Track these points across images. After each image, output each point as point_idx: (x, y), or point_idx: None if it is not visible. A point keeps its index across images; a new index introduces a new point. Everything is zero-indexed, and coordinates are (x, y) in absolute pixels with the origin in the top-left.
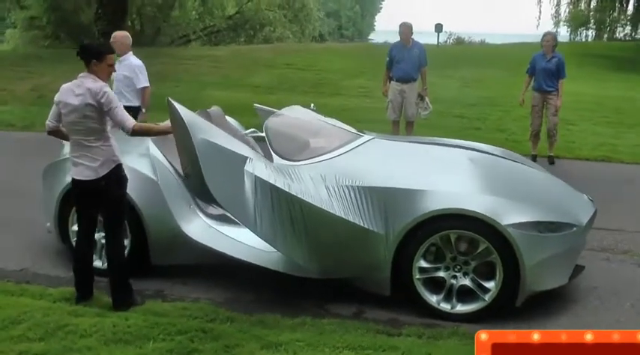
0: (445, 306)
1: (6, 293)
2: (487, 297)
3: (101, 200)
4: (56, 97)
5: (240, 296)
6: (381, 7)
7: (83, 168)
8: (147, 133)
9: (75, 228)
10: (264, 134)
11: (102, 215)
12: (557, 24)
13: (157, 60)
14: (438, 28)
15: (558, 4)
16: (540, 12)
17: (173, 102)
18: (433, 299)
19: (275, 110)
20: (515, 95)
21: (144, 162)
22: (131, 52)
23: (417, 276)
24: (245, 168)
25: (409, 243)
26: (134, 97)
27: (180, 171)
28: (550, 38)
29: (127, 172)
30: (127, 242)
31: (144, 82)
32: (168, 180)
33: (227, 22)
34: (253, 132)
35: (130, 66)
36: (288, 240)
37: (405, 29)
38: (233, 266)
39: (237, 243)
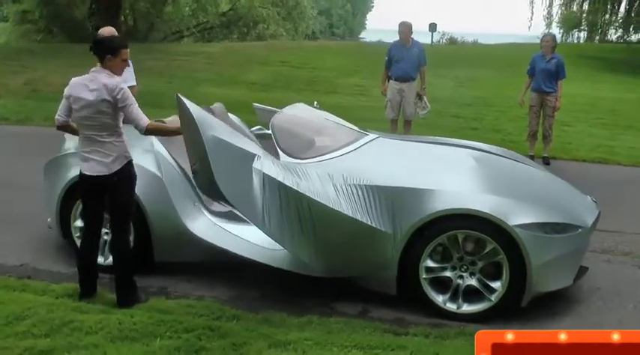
0: (451, 306)
1: (8, 288)
2: (493, 297)
3: (110, 196)
4: (66, 91)
5: (245, 294)
6: (373, 6)
7: (94, 164)
8: (160, 133)
9: (77, 223)
10: (270, 131)
11: (109, 211)
12: (549, 25)
13: (150, 56)
14: (432, 27)
15: (550, 6)
16: (532, 13)
17: (182, 98)
18: (439, 298)
19: (274, 109)
20: (509, 95)
21: (148, 158)
22: None
23: (424, 276)
24: (253, 165)
25: (416, 242)
26: None
27: (185, 167)
28: (550, 39)
29: None
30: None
31: (131, 80)
32: (172, 176)
33: (220, 18)
34: (259, 129)
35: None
36: (295, 239)
37: (405, 28)
38: (236, 264)
39: (242, 241)
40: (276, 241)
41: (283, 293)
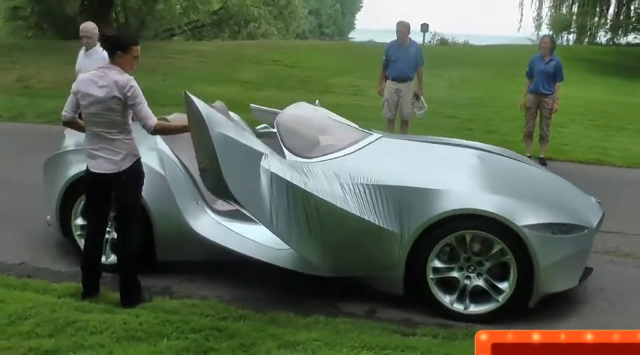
0: (458, 307)
1: (8, 287)
2: (501, 298)
3: (116, 195)
4: (74, 87)
5: (249, 294)
6: (362, 6)
7: (103, 161)
8: (168, 132)
9: (78, 221)
10: (275, 130)
11: (115, 210)
12: (538, 27)
13: (143, 53)
14: (424, 27)
15: (540, 8)
16: (522, 15)
17: (191, 95)
18: (446, 299)
19: (272, 110)
20: (502, 96)
21: (152, 156)
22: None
23: (431, 276)
24: (261, 164)
25: (424, 242)
26: None
27: (188, 166)
28: (548, 40)
29: None
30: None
31: None
32: (176, 175)
33: (211, 17)
34: (265, 127)
35: (104, 59)
36: (302, 238)
37: (403, 28)
38: (239, 264)
39: (246, 240)
40: (283, 241)
41: (288, 293)
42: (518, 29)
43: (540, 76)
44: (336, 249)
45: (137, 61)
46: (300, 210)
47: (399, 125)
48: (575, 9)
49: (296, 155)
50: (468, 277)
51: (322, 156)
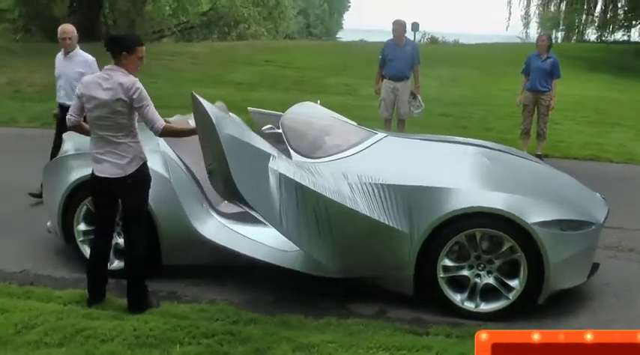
0: (469, 305)
1: (11, 296)
2: (511, 296)
3: (123, 199)
4: (78, 90)
5: (257, 296)
6: (349, 6)
7: (109, 165)
8: (176, 134)
9: (80, 227)
10: (280, 131)
11: (121, 214)
12: (526, 26)
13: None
14: (415, 27)
15: (528, 6)
16: (510, 13)
17: (198, 97)
18: (457, 298)
19: (270, 112)
20: (494, 94)
21: (155, 158)
22: (78, 46)
23: (441, 275)
24: (269, 165)
25: (434, 241)
26: None
27: (191, 168)
28: (545, 38)
29: None
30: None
31: None
32: (180, 177)
33: (201, 18)
34: (270, 128)
35: (86, 61)
36: (312, 239)
37: (399, 27)
38: (244, 266)
39: (253, 242)
40: (293, 242)
41: (296, 295)
42: (507, 28)
43: (537, 74)
44: (345, 250)
45: (142, 62)
46: (310, 211)
47: (396, 124)
48: (563, 7)
49: (302, 155)
50: (478, 275)
51: (329, 156)
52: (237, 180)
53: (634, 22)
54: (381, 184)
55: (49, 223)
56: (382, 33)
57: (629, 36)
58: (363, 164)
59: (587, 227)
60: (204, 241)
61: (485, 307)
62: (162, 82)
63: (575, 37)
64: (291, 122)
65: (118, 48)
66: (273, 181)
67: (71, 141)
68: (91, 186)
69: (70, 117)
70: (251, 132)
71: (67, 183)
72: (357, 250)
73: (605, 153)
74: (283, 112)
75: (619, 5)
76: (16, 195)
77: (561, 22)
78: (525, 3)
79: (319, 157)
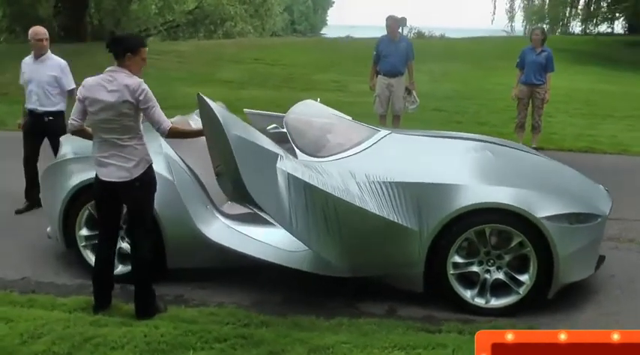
0: (479, 301)
1: (13, 304)
2: (521, 291)
3: (129, 202)
4: (80, 93)
5: (265, 298)
6: (333, 2)
7: (114, 169)
8: (183, 136)
9: (83, 232)
10: (285, 130)
11: (127, 218)
12: (511, 19)
13: None
14: (403, 21)
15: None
16: (495, 7)
17: (205, 97)
18: (467, 294)
19: (267, 113)
20: (485, 88)
21: (158, 160)
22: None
23: (451, 272)
24: (277, 165)
25: (444, 238)
26: (60, 100)
27: (194, 169)
28: (539, 32)
29: None
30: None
31: (72, 82)
32: (183, 179)
33: (187, 16)
34: (275, 128)
35: (59, 65)
36: (321, 239)
37: (393, 23)
38: (249, 268)
39: (259, 243)
40: (302, 242)
41: (304, 296)
42: (492, 21)
43: (532, 67)
44: (355, 249)
45: (145, 63)
46: (319, 211)
47: (391, 120)
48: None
49: (308, 155)
50: (488, 271)
51: (335, 155)
52: (247, 181)
53: (617, 14)
54: (389, 182)
55: (48, 228)
56: (366, 28)
57: (612, 28)
58: (370, 162)
59: (594, 219)
60: (209, 243)
61: (495, 302)
62: (150, 81)
63: (559, 30)
64: (295, 121)
65: (122, 49)
66: (281, 181)
67: (69, 145)
68: (94, 190)
69: (73, 121)
70: (258, 132)
71: (68, 187)
72: (367, 249)
73: (599, 145)
74: (278, 112)
75: None
76: (8, 199)
77: (546, 15)
78: None
79: (325, 156)
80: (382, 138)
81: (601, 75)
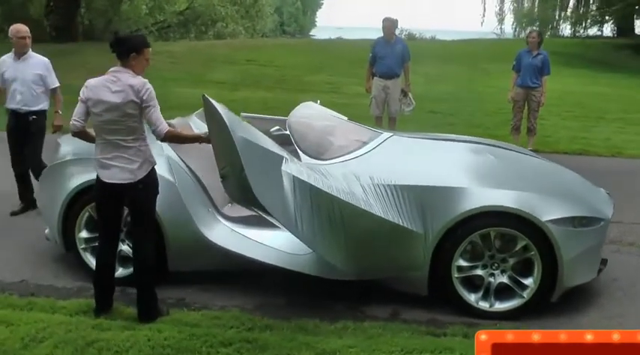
0: (484, 305)
1: (13, 307)
2: (525, 294)
3: (132, 205)
4: (83, 94)
5: (268, 301)
6: (322, 3)
7: (117, 171)
8: (179, 140)
9: (82, 234)
10: (288, 132)
11: (130, 220)
12: (501, 21)
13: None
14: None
15: (502, 2)
16: (485, 10)
17: (210, 99)
18: (472, 297)
19: (264, 116)
20: (478, 90)
21: (160, 162)
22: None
23: (456, 275)
24: (282, 168)
25: (448, 241)
26: (44, 99)
27: (196, 172)
28: (536, 35)
29: None
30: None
31: (56, 80)
32: (185, 181)
33: (178, 17)
34: (278, 130)
35: (43, 63)
36: (326, 242)
37: (389, 24)
38: (250, 271)
39: (262, 246)
40: (307, 245)
41: (307, 299)
42: (482, 24)
43: (528, 70)
44: (359, 252)
45: (148, 63)
46: (324, 214)
47: (387, 122)
48: (537, 3)
49: (312, 157)
50: (492, 274)
51: (338, 157)
52: (253, 183)
53: (607, 18)
54: (393, 185)
55: (47, 230)
56: (355, 30)
57: (601, 31)
58: (374, 165)
59: (597, 223)
60: (211, 246)
61: (499, 306)
62: None
63: (549, 33)
64: (298, 124)
65: (126, 49)
66: (287, 184)
67: (68, 145)
68: (95, 192)
69: (75, 122)
70: (262, 134)
71: (68, 189)
72: (372, 252)
73: (593, 148)
74: (272, 114)
75: (591, 1)
76: (1, 200)
77: (536, 18)
78: None
79: (329, 158)
80: (385, 140)
81: (591, 77)
